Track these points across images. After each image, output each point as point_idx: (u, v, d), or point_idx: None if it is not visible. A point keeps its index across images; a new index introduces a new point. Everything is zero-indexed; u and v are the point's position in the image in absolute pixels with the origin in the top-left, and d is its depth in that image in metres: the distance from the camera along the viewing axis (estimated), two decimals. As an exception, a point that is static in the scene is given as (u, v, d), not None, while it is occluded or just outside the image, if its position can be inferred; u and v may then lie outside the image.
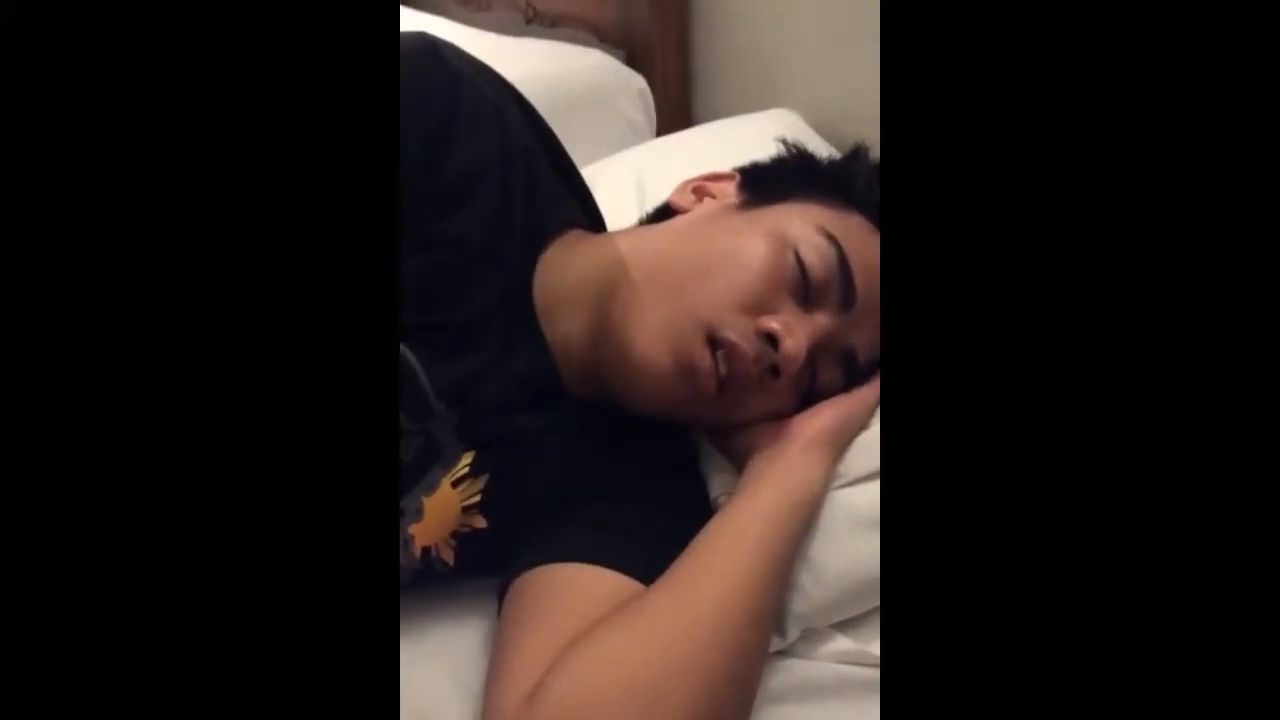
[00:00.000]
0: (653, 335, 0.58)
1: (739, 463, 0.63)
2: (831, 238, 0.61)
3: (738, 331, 0.58)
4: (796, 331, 0.58)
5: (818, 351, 0.60)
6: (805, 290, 0.60)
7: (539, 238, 0.65)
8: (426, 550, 0.63)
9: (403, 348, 0.58)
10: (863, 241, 0.62)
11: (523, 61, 1.20)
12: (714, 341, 0.58)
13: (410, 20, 1.49)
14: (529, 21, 1.53)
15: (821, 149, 0.76)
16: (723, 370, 0.58)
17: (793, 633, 0.61)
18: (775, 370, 0.58)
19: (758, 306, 0.59)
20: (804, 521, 0.59)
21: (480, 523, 0.63)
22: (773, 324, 0.58)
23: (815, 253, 0.60)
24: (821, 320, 0.60)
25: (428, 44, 0.63)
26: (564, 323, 0.63)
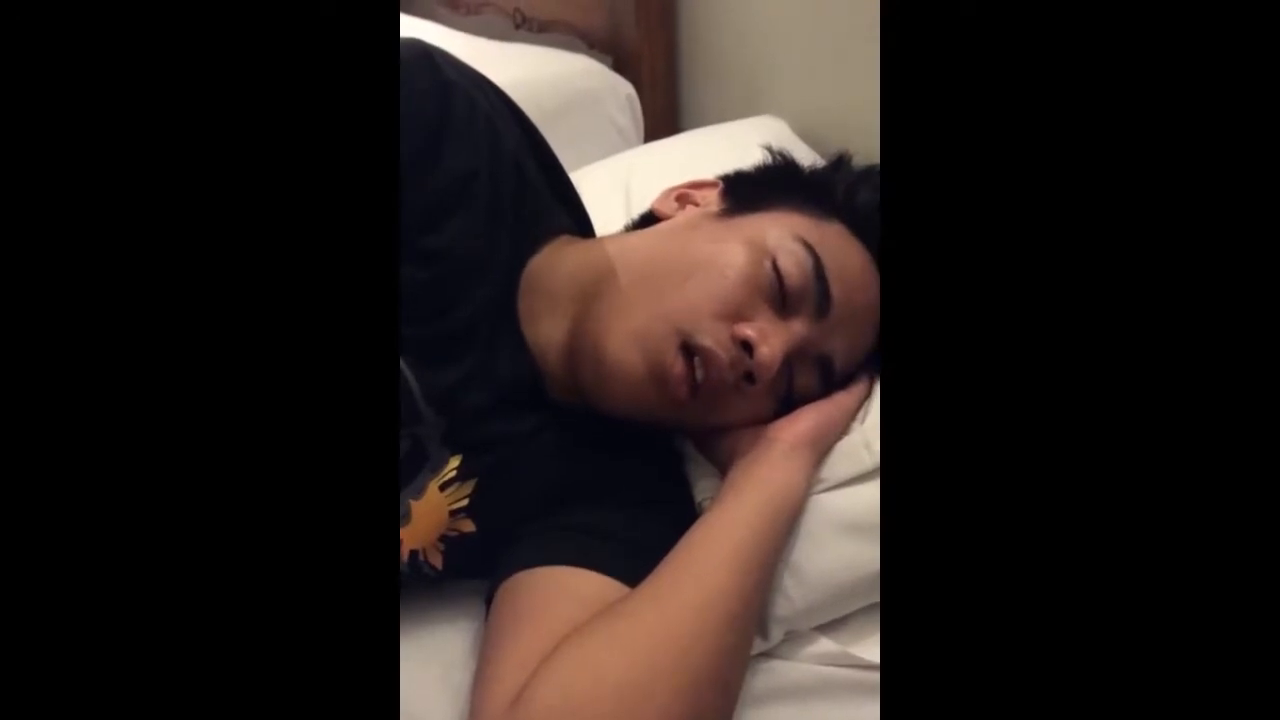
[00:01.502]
0: (626, 340, 0.59)
1: (723, 467, 0.64)
2: (809, 246, 0.61)
3: (713, 338, 0.59)
4: (772, 338, 0.59)
5: (794, 358, 0.61)
6: (782, 298, 0.61)
7: (527, 244, 0.66)
8: (414, 554, 0.63)
9: (391, 354, 0.59)
10: (841, 250, 0.63)
11: (511, 67, 1.21)
12: (689, 348, 0.59)
13: (400, 25, 1.49)
14: (517, 27, 1.53)
15: (806, 156, 0.77)
16: (699, 376, 0.59)
17: (776, 635, 0.62)
18: (751, 376, 0.59)
19: (734, 313, 0.60)
20: (786, 525, 0.60)
21: (468, 526, 0.64)
22: (748, 331, 0.59)
23: (792, 261, 0.61)
24: (797, 328, 0.61)
25: (421, 52, 0.64)
26: (546, 328, 0.64)
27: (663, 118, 1.36)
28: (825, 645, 0.62)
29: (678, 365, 0.59)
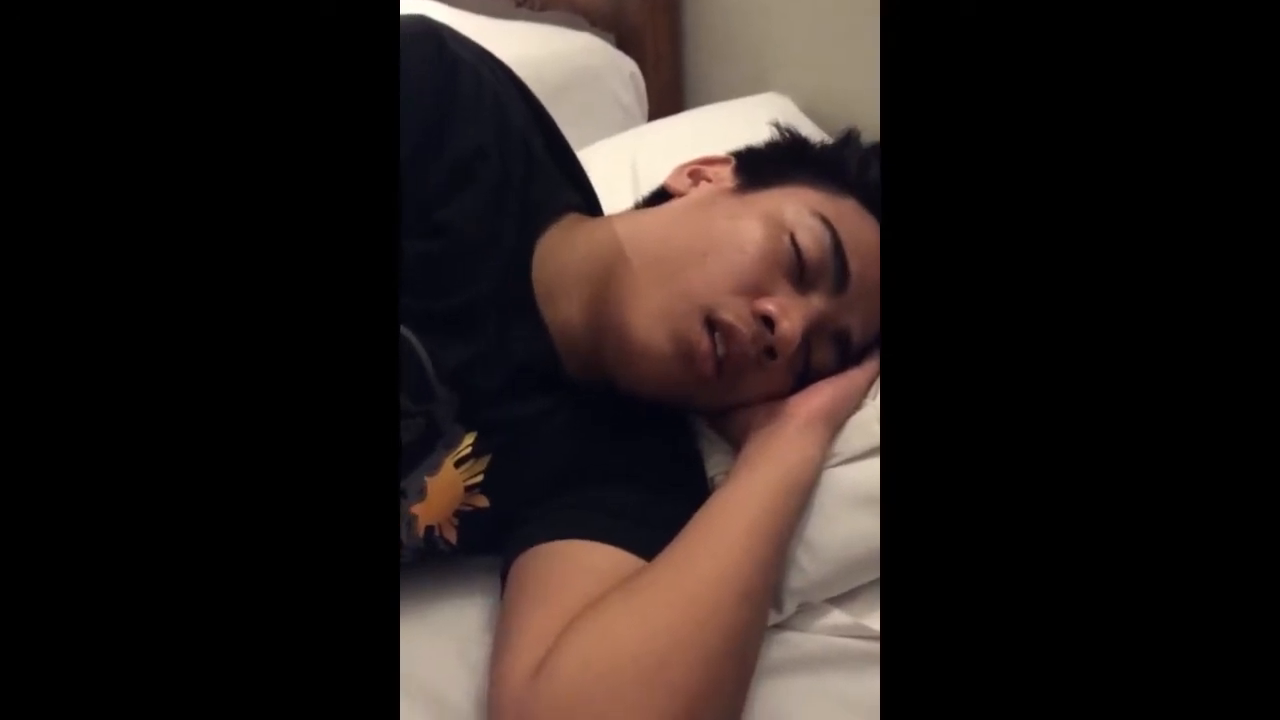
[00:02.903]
0: (651, 319, 0.59)
1: (736, 443, 0.64)
2: (826, 221, 0.62)
3: (735, 314, 0.59)
4: (792, 313, 0.59)
5: (812, 333, 0.62)
6: (800, 273, 0.61)
7: (536, 222, 0.66)
8: (430, 529, 0.64)
9: (406, 330, 0.59)
10: (856, 225, 0.63)
11: (513, 44, 1.20)
12: (712, 323, 0.59)
13: (403, 3, 1.48)
14: (519, 4, 1.52)
15: (813, 133, 0.77)
16: (720, 351, 0.59)
17: (789, 607, 0.62)
18: (771, 351, 0.59)
19: (754, 289, 0.60)
20: (800, 499, 0.60)
21: (483, 502, 0.64)
22: (769, 306, 0.59)
23: (810, 236, 0.61)
24: (816, 302, 0.61)
25: (428, 29, 0.64)
26: (563, 307, 0.64)
27: (666, 95, 1.36)
28: (837, 617, 0.63)
29: (703, 341, 0.59)
